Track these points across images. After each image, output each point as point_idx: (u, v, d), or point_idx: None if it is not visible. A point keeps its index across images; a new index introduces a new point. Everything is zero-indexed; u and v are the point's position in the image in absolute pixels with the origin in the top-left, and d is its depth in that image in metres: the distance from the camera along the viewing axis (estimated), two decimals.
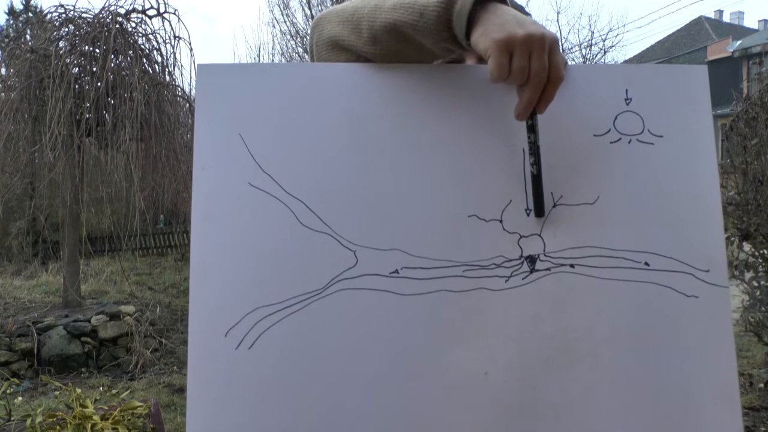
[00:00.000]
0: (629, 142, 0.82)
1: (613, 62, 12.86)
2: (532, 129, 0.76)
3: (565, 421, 0.77)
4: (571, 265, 0.79)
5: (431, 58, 0.82)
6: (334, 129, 0.80)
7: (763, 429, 3.06)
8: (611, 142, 0.81)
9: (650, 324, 0.78)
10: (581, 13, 37.41)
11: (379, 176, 0.79)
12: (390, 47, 0.80)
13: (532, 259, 0.79)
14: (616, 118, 0.82)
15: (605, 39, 15.90)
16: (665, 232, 0.80)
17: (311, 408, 0.75)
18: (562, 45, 13.73)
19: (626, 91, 0.82)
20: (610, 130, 0.82)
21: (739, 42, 20.39)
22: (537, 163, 0.77)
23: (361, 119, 0.80)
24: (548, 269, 0.78)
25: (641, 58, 22.70)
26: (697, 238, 0.80)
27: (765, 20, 25.68)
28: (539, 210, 0.78)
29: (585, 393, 0.77)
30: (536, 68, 0.70)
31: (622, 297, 0.79)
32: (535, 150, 0.77)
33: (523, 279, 0.78)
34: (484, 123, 0.81)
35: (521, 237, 0.79)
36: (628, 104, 0.82)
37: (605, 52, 14.21)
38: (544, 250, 0.79)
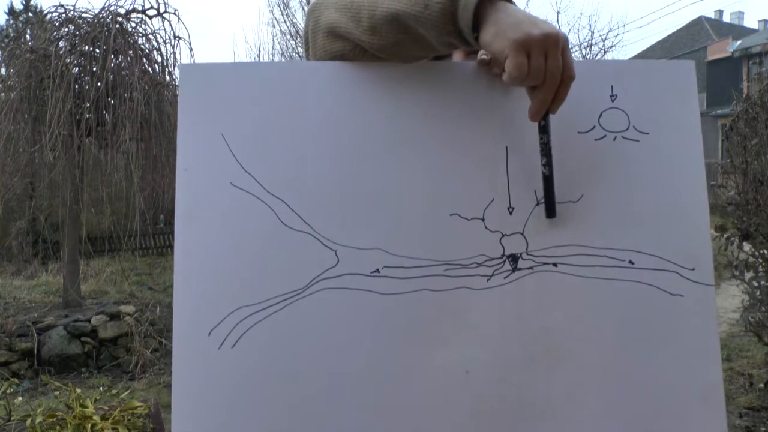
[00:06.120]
0: (614, 139, 0.81)
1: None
2: (544, 129, 0.75)
3: (547, 420, 0.76)
4: (554, 264, 0.78)
5: (430, 52, 0.79)
6: (315, 128, 0.79)
7: (763, 429, 3.04)
8: (596, 140, 0.81)
9: (634, 323, 0.78)
10: (581, 13, 37.27)
11: (360, 175, 0.79)
12: (389, 38, 0.77)
13: (514, 258, 0.78)
14: (601, 114, 0.81)
15: (605, 39, 15.87)
16: (650, 230, 0.79)
17: (293, 406, 0.75)
18: None
19: (611, 87, 0.82)
20: (594, 127, 0.81)
21: (739, 42, 20.30)
22: (549, 164, 0.76)
23: (342, 118, 0.80)
24: (531, 268, 0.78)
25: (641, 58, 22.65)
26: (682, 235, 0.79)
27: (765, 20, 25.57)
28: (551, 211, 0.77)
29: (568, 392, 0.76)
30: (552, 68, 0.69)
31: (606, 296, 0.78)
32: (547, 151, 0.75)
33: (505, 278, 0.78)
34: (466, 121, 0.80)
35: (503, 235, 0.78)
36: (613, 101, 0.82)
37: (605, 52, 14.19)
38: (526, 249, 0.78)
